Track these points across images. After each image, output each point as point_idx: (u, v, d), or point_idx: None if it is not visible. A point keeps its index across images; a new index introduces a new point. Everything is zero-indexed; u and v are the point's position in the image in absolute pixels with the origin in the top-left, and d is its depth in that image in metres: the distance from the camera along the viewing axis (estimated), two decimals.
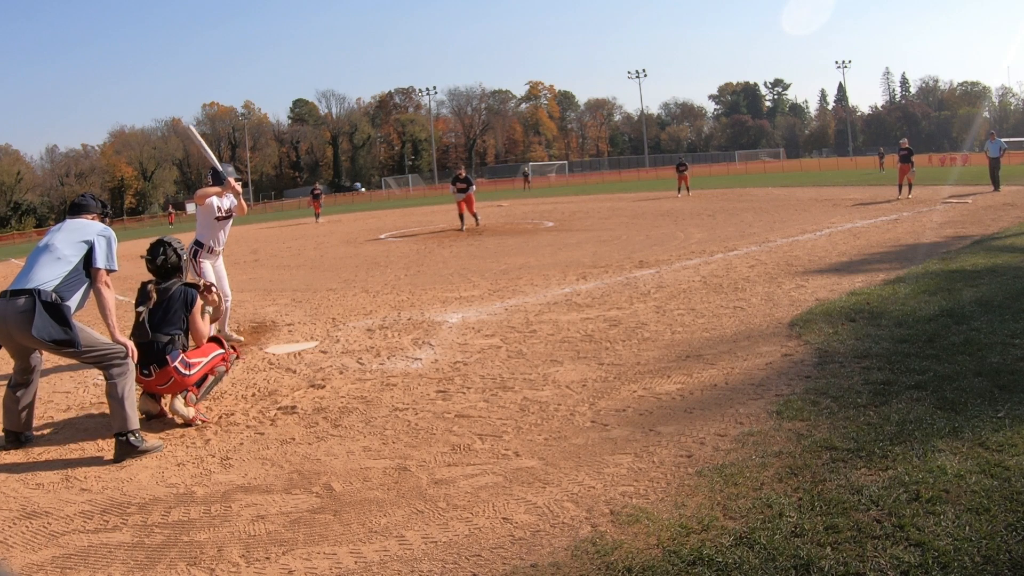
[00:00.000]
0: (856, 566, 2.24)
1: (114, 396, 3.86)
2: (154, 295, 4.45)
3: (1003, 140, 20.09)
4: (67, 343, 3.74)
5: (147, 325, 4.31)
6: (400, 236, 18.37)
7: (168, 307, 4.44)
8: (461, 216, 17.80)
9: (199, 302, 4.56)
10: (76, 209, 4.21)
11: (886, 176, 29.54)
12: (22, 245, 44.10)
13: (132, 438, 3.83)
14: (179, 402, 4.28)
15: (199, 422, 4.27)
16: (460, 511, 2.93)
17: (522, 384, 4.60)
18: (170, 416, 4.38)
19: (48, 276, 3.80)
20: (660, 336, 5.55)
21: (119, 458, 3.79)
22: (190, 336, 4.55)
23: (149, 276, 4.61)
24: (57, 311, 3.73)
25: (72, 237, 3.95)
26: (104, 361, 3.88)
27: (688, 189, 26.90)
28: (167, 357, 4.26)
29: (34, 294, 3.72)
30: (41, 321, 3.67)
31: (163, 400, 4.47)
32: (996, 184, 18.63)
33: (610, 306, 6.87)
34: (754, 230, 12.97)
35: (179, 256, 4.63)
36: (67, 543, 2.89)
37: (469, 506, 2.97)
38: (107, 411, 3.94)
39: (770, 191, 25.38)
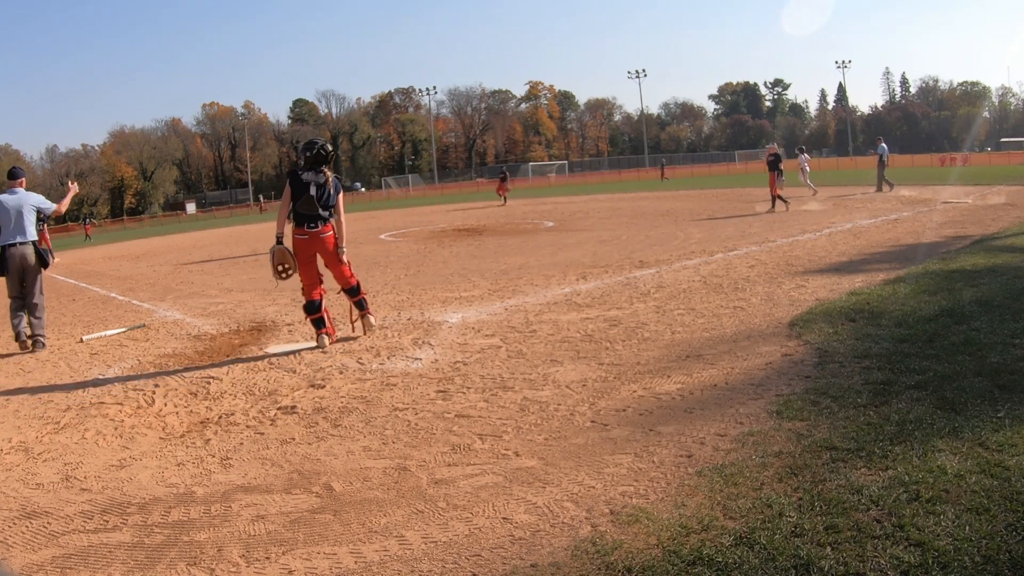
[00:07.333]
0: (856, 566, 2.24)
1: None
2: (329, 176, 6.03)
3: (884, 145, 21.32)
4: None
5: (316, 202, 5.96)
6: (400, 236, 18.38)
7: (328, 191, 6.01)
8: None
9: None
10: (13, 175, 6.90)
11: (888, 175, 29.50)
12: None
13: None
14: (371, 319, 6.41)
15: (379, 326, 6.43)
16: (460, 511, 2.93)
17: (522, 384, 4.60)
18: (364, 335, 6.34)
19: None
20: (660, 336, 5.55)
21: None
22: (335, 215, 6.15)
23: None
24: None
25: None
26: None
27: (504, 200, 26.50)
28: (329, 220, 6.06)
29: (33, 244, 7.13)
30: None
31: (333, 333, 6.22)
32: (880, 184, 20.11)
33: (610, 306, 6.87)
34: (754, 230, 12.97)
35: (328, 150, 6.10)
36: (67, 543, 2.89)
37: (469, 506, 2.96)
38: (107, 409, 3.98)
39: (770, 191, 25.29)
